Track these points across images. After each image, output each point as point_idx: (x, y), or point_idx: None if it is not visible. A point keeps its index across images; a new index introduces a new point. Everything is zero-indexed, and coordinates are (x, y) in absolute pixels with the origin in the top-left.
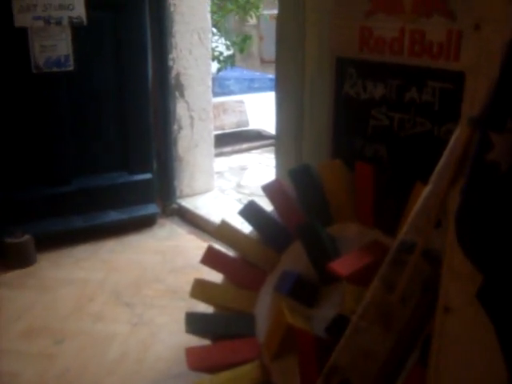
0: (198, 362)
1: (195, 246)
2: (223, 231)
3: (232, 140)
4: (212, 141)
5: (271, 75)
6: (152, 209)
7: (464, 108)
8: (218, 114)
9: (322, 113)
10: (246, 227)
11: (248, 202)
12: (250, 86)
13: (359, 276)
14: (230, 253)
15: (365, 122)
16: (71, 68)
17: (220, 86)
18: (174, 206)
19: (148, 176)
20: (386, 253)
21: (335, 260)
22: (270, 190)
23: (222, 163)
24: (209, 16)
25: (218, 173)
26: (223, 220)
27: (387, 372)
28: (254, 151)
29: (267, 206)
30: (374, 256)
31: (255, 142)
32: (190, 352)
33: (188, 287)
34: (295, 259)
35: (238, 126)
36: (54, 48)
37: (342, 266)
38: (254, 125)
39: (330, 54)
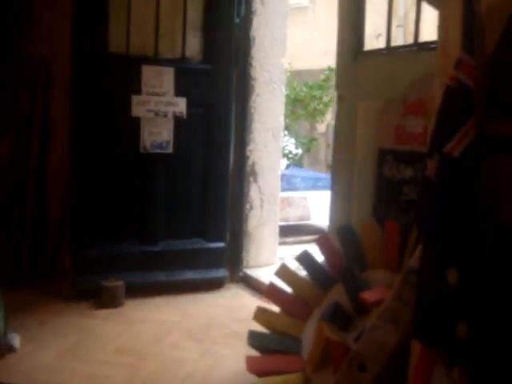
0: (255, 366)
1: (257, 304)
2: (283, 272)
3: (295, 232)
4: (277, 221)
5: None
6: (222, 273)
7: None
8: (284, 207)
9: (366, 190)
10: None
11: (303, 251)
12: (315, 185)
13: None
14: (287, 289)
15: (398, 197)
16: (170, 151)
17: (288, 183)
18: (241, 274)
19: (221, 245)
20: None
21: (365, 292)
22: (320, 243)
23: (285, 251)
24: (282, 118)
25: (280, 258)
26: (283, 263)
27: (396, 359)
28: (314, 243)
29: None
30: None
31: (316, 235)
32: (250, 359)
33: None
34: (337, 297)
35: (301, 220)
36: (159, 134)
37: (370, 296)
38: (315, 219)
39: (373, 146)
